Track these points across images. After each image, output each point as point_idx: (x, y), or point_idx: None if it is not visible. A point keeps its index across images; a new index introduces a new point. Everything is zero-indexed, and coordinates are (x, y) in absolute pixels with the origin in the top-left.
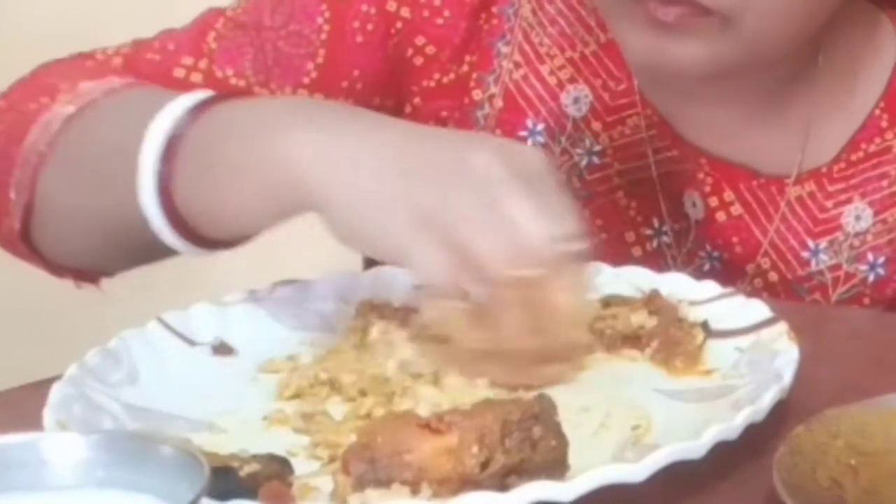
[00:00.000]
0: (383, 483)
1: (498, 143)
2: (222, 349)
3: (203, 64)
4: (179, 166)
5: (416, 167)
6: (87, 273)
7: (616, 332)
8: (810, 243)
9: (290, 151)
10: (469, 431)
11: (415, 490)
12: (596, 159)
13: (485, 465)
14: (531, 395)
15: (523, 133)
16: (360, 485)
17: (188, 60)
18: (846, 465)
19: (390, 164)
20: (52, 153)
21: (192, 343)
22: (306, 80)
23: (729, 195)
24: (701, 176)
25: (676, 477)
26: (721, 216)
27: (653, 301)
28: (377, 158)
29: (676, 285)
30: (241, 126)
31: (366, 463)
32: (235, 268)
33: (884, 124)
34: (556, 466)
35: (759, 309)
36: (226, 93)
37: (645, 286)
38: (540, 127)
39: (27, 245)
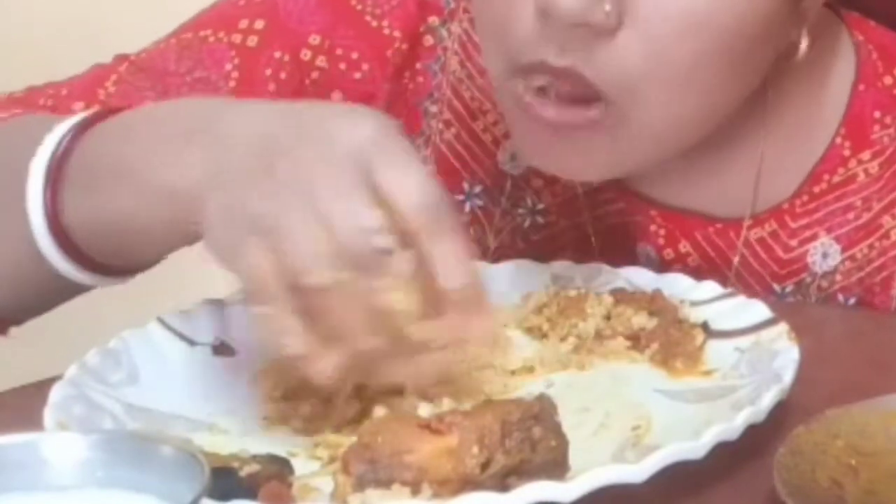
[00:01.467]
0: (383, 483)
1: (333, 127)
2: (222, 349)
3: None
4: (66, 189)
5: (253, 174)
6: None
7: (616, 334)
8: (776, 287)
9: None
10: (469, 432)
11: (415, 490)
12: (540, 218)
13: (485, 466)
14: (531, 395)
15: (460, 197)
16: (360, 485)
17: (79, 105)
18: (846, 465)
19: (235, 175)
20: None
21: (192, 343)
22: None
23: (684, 246)
24: (653, 228)
25: (676, 477)
26: (678, 269)
27: (655, 301)
28: (232, 168)
29: (676, 285)
30: (124, 141)
31: (366, 463)
32: None
33: (846, 152)
34: (556, 467)
35: (759, 309)
36: (111, 107)
37: (645, 286)
38: (477, 189)
39: None
